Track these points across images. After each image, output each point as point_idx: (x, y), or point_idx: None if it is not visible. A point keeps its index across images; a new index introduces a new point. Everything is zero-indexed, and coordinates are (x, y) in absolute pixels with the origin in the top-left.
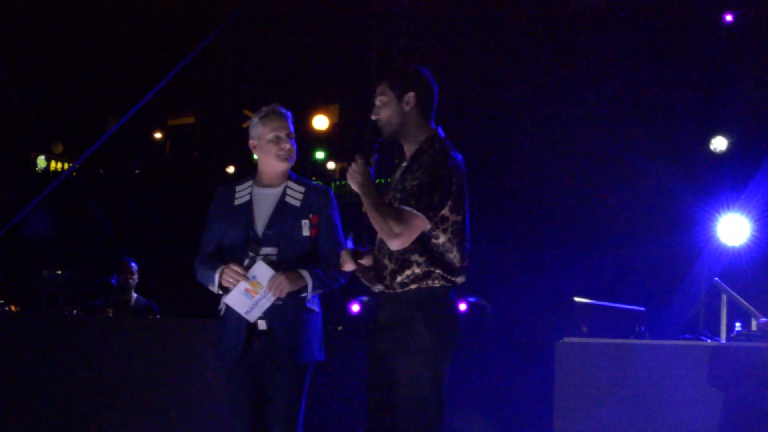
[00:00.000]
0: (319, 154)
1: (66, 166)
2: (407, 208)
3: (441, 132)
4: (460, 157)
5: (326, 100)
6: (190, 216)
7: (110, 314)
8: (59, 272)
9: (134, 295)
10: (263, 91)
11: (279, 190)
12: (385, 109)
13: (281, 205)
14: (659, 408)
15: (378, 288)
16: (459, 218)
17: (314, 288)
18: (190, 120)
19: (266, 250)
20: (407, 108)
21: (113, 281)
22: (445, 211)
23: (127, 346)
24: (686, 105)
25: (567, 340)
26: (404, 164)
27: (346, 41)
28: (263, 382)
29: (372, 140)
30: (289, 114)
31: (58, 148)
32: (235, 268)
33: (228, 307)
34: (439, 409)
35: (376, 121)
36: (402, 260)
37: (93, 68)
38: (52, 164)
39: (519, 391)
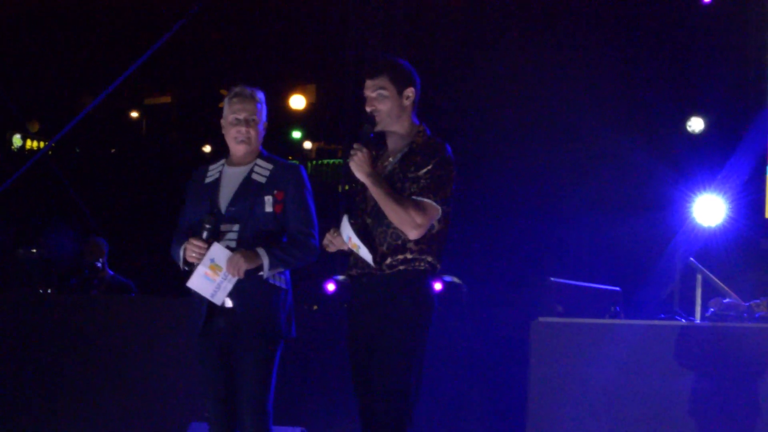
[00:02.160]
0: (296, 134)
1: (42, 144)
2: (427, 200)
3: (428, 129)
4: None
5: (303, 80)
6: (166, 195)
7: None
8: (34, 251)
9: (109, 272)
10: (240, 71)
11: (247, 168)
12: (385, 102)
13: (246, 181)
14: (634, 387)
15: (357, 272)
16: (449, 209)
17: (271, 267)
18: (167, 99)
19: (228, 227)
20: (406, 102)
21: (98, 263)
22: None
23: (103, 325)
24: (663, 85)
25: (542, 319)
26: (398, 156)
27: (323, 21)
28: (232, 361)
29: (369, 131)
30: (259, 96)
31: (34, 127)
32: (195, 242)
33: None
34: (415, 383)
35: (371, 113)
36: (396, 245)
37: (69, 46)
38: (28, 143)
39: (494, 370)
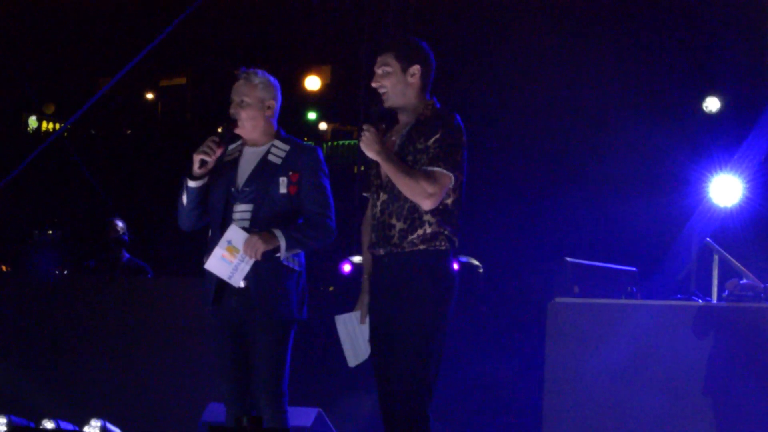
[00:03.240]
0: (311, 115)
1: (57, 126)
2: (437, 169)
3: (437, 103)
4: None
5: (318, 61)
6: (182, 176)
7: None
8: (50, 233)
9: (125, 254)
10: (255, 52)
11: (265, 148)
12: (388, 79)
13: (263, 162)
14: (650, 368)
15: (380, 251)
16: (462, 177)
17: (288, 248)
18: (182, 81)
19: (242, 206)
20: (411, 80)
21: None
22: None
23: (120, 307)
24: (679, 65)
25: (559, 300)
26: (405, 129)
27: (339, 2)
28: (245, 342)
29: (377, 109)
30: (256, 78)
31: (50, 109)
32: (211, 139)
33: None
34: (435, 365)
35: (377, 90)
36: (413, 219)
37: (85, 28)
38: (44, 125)
39: (510, 351)
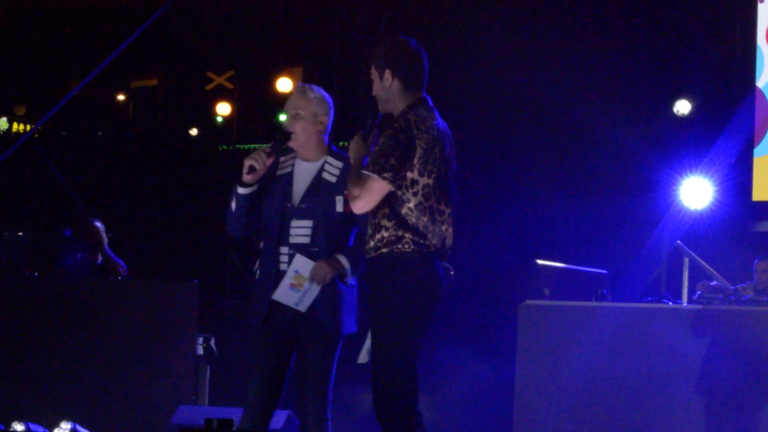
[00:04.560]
0: (283, 117)
1: (28, 127)
2: (365, 172)
3: (429, 100)
4: (440, 122)
5: (290, 63)
6: (153, 178)
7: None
8: (20, 234)
9: (100, 257)
10: (227, 54)
11: (318, 164)
12: (374, 87)
13: (318, 179)
14: (620, 370)
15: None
16: (430, 181)
17: (353, 272)
18: (154, 82)
19: (300, 222)
20: (387, 84)
21: (67, 233)
22: (414, 174)
23: (91, 308)
24: (650, 68)
25: (529, 302)
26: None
27: (311, 4)
28: (295, 351)
29: (370, 116)
30: (311, 93)
31: (21, 110)
32: (262, 149)
33: (261, 274)
34: (407, 370)
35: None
36: (374, 225)
37: (56, 29)
38: (14, 126)
39: (481, 353)
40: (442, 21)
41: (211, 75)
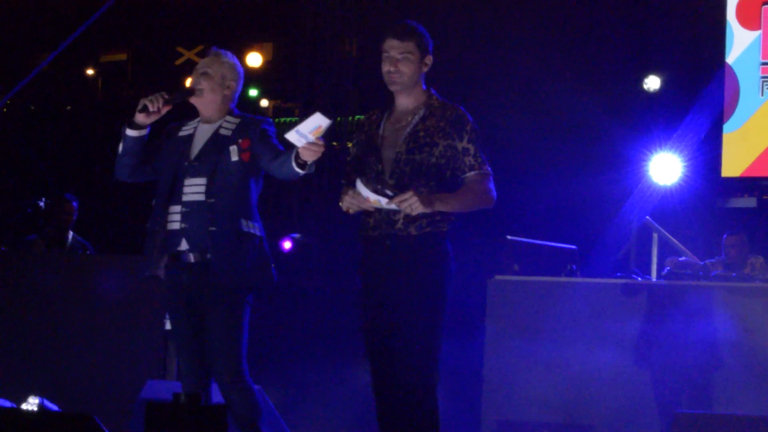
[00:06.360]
0: (253, 92)
1: None
2: (486, 171)
3: (434, 91)
4: None
5: (260, 38)
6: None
7: (44, 248)
8: None
9: (71, 233)
10: (197, 28)
11: (217, 124)
12: (410, 66)
13: (214, 136)
14: (589, 345)
15: (380, 232)
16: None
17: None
18: (123, 56)
19: (193, 180)
20: (424, 69)
21: (41, 203)
22: None
23: (59, 283)
24: (619, 43)
25: (499, 277)
26: (416, 117)
27: None
28: (202, 315)
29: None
30: (221, 57)
31: None
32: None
33: (149, 231)
34: (441, 340)
35: (388, 72)
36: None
37: (23, 2)
38: None
39: (450, 328)
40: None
41: (180, 50)
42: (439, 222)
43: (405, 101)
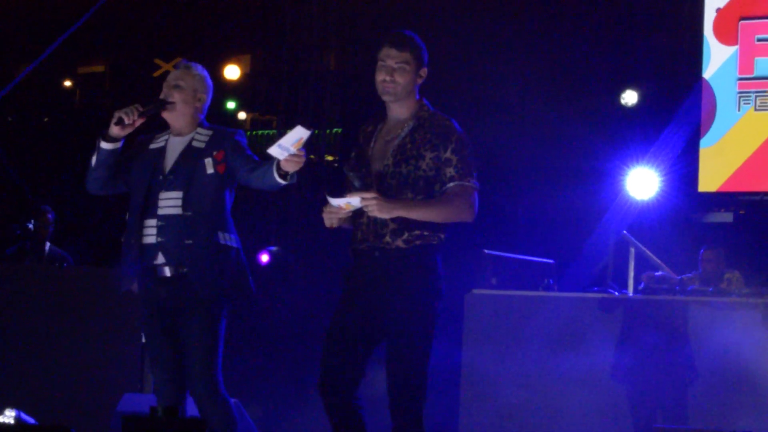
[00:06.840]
0: (230, 104)
1: None
2: (468, 183)
3: (426, 102)
4: None
5: (238, 50)
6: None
7: (22, 260)
8: None
9: (47, 244)
10: (175, 40)
11: (189, 137)
12: (405, 76)
13: (187, 149)
14: (566, 359)
15: (367, 245)
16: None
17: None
18: (101, 68)
19: (169, 194)
20: (419, 81)
21: (30, 225)
22: None
23: (35, 295)
24: (597, 58)
25: (476, 291)
26: (405, 129)
27: None
28: (178, 328)
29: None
30: (192, 69)
31: None
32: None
33: (124, 245)
34: (428, 355)
35: (383, 81)
36: (414, 222)
37: (0, 13)
38: None
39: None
40: (390, 5)
41: (158, 62)
42: (428, 236)
43: (397, 113)
